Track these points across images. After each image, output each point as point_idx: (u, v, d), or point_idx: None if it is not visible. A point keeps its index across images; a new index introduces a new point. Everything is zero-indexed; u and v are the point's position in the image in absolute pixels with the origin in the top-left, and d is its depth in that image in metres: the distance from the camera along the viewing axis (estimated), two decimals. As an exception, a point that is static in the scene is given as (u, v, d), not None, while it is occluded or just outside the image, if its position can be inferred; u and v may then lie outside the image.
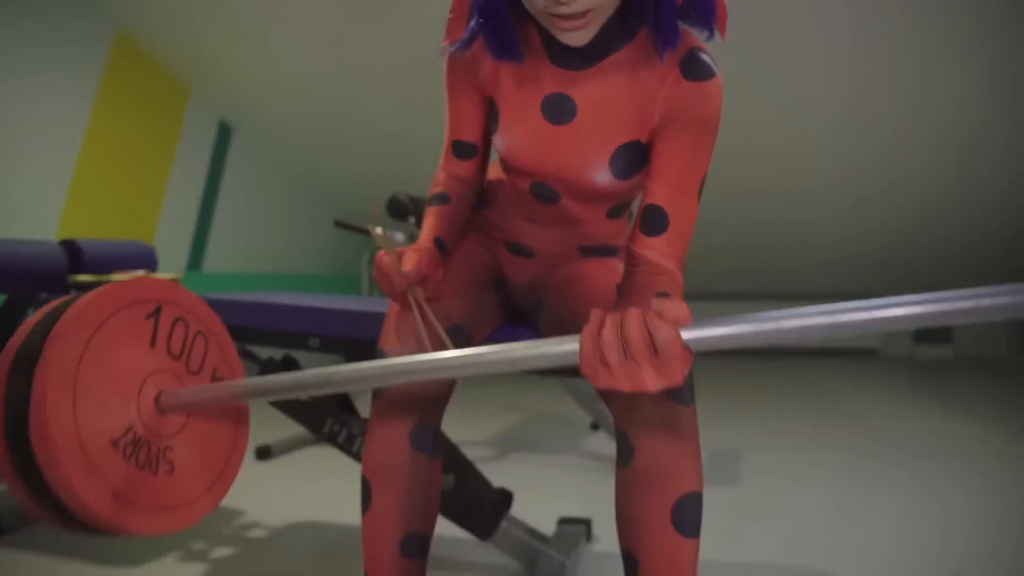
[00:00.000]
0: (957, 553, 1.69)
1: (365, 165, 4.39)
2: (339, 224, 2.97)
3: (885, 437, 2.90)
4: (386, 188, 3.38)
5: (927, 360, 5.26)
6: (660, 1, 0.89)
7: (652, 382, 0.70)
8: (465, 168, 1.13)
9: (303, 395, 0.82)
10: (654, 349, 0.69)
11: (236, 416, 0.92)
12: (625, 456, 0.94)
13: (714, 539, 1.74)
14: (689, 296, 0.92)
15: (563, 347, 0.73)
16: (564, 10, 0.84)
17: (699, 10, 0.92)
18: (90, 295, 0.78)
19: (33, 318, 0.79)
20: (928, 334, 5.35)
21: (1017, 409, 3.49)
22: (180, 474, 0.82)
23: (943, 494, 2.15)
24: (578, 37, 0.89)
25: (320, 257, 4.93)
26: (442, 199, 1.11)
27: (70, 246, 1.87)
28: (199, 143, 3.80)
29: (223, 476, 0.89)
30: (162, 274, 1.86)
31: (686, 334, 0.68)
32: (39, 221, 2.87)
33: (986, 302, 0.61)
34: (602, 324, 0.72)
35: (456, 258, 1.14)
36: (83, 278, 1.77)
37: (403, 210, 2.74)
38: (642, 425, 0.92)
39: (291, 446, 2.69)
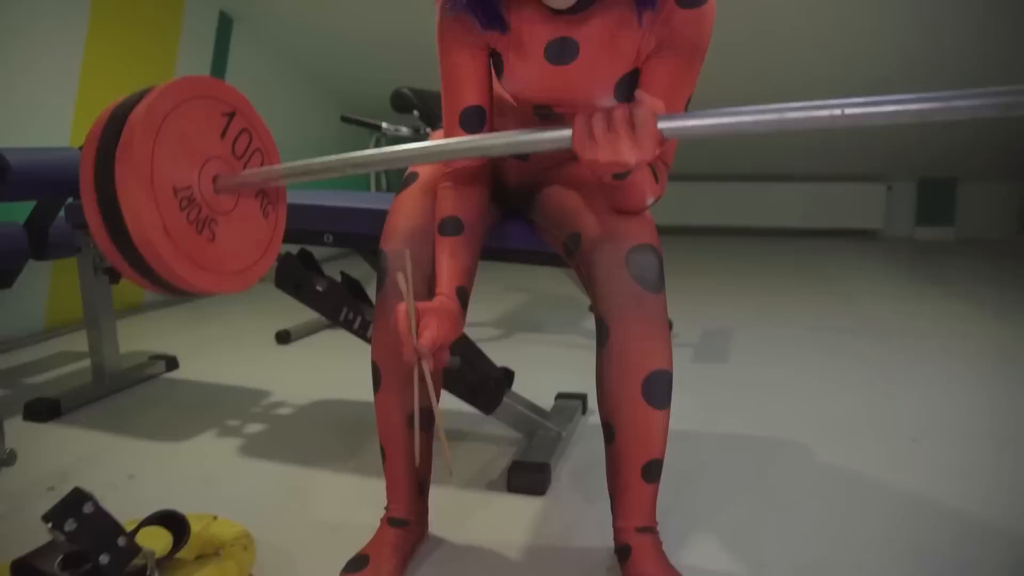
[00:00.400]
0: (919, 423, 1.84)
1: (370, 54, 4.35)
2: (346, 119, 3.02)
3: (877, 316, 3.01)
4: (391, 80, 3.38)
5: (928, 241, 5.31)
6: None
7: (628, 152, 0.84)
8: None
9: (339, 174, 0.98)
10: (633, 128, 0.84)
11: (271, 229, 1.08)
12: (602, 339, 1.06)
13: (693, 412, 1.90)
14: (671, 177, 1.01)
15: (559, 132, 0.88)
16: None
17: None
18: (185, 77, 0.94)
19: (136, 92, 0.95)
20: (930, 216, 5.36)
21: (1014, 291, 3.55)
22: (218, 246, 0.98)
23: (920, 370, 2.28)
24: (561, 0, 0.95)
25: (327, 149, 4.96)
26: (456, 227, 1.08)
27: (90, 149, 1.96)
28: (201, 35, 3.77)
29: (253, 268, 1.04)
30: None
31: (660, 123, 0.84)
32: (51, 128, 2.91)
33: (927, 105, 0.71)
34: (595, 110, 0.86)
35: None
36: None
37: (407, 103, 2.77)
38: (616, 311, 1.04)
39: (308, 330, 2.86)
